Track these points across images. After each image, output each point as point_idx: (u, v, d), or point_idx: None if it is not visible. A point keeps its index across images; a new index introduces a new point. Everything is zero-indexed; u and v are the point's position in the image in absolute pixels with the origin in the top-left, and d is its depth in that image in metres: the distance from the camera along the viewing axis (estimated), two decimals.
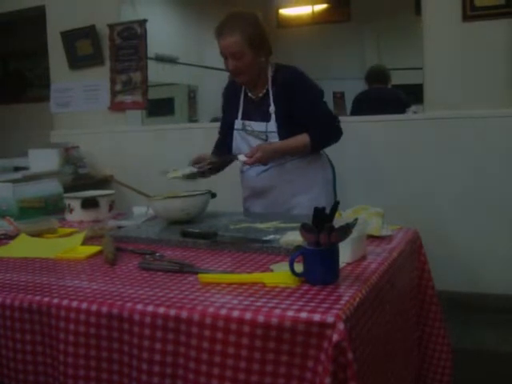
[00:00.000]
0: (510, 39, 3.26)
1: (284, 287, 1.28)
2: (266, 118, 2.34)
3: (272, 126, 2.32)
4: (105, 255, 1.63)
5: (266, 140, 2.33)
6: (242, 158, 2.25)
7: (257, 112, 2.37)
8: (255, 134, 2.35)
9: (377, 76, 4.76)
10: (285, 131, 2.30)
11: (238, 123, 2.41)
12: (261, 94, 2.37)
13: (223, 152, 2.47)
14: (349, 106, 5.00)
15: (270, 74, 2.35)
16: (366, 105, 4.56)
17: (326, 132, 2.35)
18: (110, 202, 2.37)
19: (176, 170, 2.30)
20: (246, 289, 1.29)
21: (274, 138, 2.31)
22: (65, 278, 1.47)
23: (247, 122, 2.38)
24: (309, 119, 2.32)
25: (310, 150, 2.34)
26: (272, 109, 2.31)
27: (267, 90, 2.35)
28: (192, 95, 6.94)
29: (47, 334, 1.30)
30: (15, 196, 2.34)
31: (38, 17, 4.59)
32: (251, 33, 2.24)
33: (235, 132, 2.42)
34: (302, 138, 2.30)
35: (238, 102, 2.43)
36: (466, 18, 3.33)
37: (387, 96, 4.61)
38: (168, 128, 4.46)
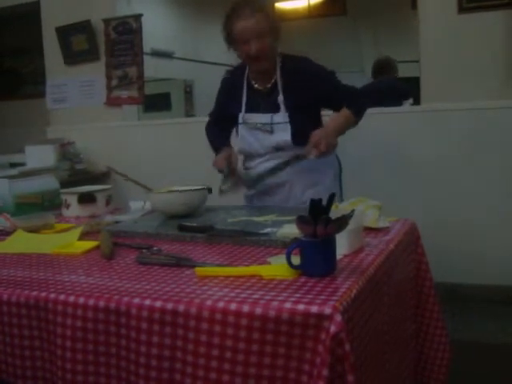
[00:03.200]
0: (507, 30, 3.26)
1: (281, 279, 1.28)
2: (274, 109, 2.27)
3: (280, 116, 2.26)
4: (102, 250, 1.63)
5: (272, 132, 2.27)
6: (312, 153, 2.12)
7: (264, 103, 2.30)
8: (258, 127, 2.30)
9: (381, 68, 4.75)
10: (297, 120, 2.25)
11: (242, 117, 2.35)
12: (269, 85, 2.30)
13: (225, 136, 2.45)
14: None
15: (278, 63, 2.28)
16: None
17: (360, 101, 2.31)
18: (106, 197, 2.37)
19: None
20: (243, 282, 1.29)
21: (281, 130, 2.25)
22: (62, 272, 1.47)
23: (247, 116, 2.32)
24: (337, 96, 2.27)
25: (354, 123, 2.29)
26: (280, 99, 2.25)
27: (275, 80, 2.28)
28: (188, 90, 6.93)
29: (45, 329, 1.30)
30: (12, 192, 2.33)
31: (32, 12, 4.56)
32: (271, 14, 2.21)
33: (240, 126, 2.36)
34: (345, 114, 2.24)
35: (240, 95, 2.35)
36: (462, 9, 3.33)
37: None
38: (165, 123, 4.46)
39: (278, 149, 2.30)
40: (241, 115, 2.35)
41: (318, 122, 2.37)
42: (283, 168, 2.27)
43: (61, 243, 1.77)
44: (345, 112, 2.25)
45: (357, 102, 2.29)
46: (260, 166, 2.38)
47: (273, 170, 2.29)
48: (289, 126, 2.25)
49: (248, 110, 2.34)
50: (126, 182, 2.13)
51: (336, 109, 2.31)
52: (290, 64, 2.29)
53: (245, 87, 2.35)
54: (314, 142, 2.11)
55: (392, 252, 1.55)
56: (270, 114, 2.27)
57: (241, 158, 2.46)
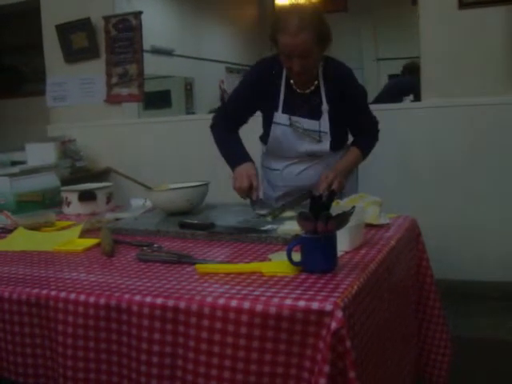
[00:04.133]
0: (507, 26, 3.25)
1: (282, 276, 1.28)
2: (315, 116, 2.19)
3: (324, 125, 2.19)
4: (102, 247, 1.63)
5: (320, 140, 2.20)
6: (326, 192, 1.96)
7: (304, 108, 2.20)
8: (307, 134, 2.20)
9: (410, 70, 5.07)
10: (335, 131, 2.20)
11: (282, 117, 2.22)
12: (308, 91, 2.19)
13: (238, 138, 2.29)
14: None
15: (320, 67, 2.17)
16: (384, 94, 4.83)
17: (373, 143, 2.33)
18: (107, 195, 2.37)
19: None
20: (243, 278, 1.29)
21: (327, 139, 2.19)
22: (63, 270, 1.47)
23: (295, 118, 2.20)
24: (358, 128, 2.29)
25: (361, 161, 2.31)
26: (325, 108, 2.18)
27: (318, 86, 2.19)
28: (188, 87, 6.93)
29: (46, 327, 1.30)
30: (12, 190, 2.33)
31: (32, 10, 4.56)
32: (320, 28, 2.04)
33: (276, 126, 2.23)
34: (356, 156, 2.26)
35: (276, 92, 2.21)
36: (462, 5, 3.32)
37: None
38: (165, 120, 4.46)
39: (312, 155, 2.25)
40: (277, 114, 2.22)
41: (346, 131, 2.37)
42: (296, 204, 2.06)
43: (61, 241, 1.77)
44: (356, 153, 2.26)
45: (369, 143, 2.31)
46: (287, 168, 2.31)
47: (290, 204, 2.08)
48: (329, 136, 2.20)
49: (284, 111, 2.22)
50: (127, 180, 2.13)
51: (351, 126, 2.31)
52: (333, 71, 2.19)
53: (283, 85, 2.21)
54: (328, 182, 2.06)
55: (393, 248, 1.55)
56: (317, 121, 2.19)
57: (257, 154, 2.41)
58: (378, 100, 4.81)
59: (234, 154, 2.24)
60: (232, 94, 2.39)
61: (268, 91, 2.23)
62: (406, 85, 4.89)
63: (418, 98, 3.95)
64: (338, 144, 2.25)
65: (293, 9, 2.08)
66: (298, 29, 1.99)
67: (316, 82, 2.19)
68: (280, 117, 2.22)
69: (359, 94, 2.28)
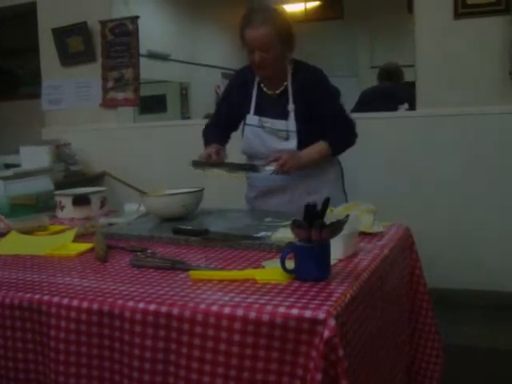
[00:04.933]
0: (502, 36, 3.27)
1: (275, 284, 1.28)
2: (284, 116, 2.26)
3: (291, 124, 2.26)
4: (96, 252, 1.62)
5: (287, 139, 2.26)
6: (269, 168, 2.14)
7: (274, 109, 2.29)
8: (274, 133, 2.28)
9: (388, 74, 4.84)
10: (303, 130, 2.24)
11: (253, 118, 2.32)
12: (278, 91, 2.29)
13: (221, 140, 2.38)
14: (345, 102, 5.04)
15: (289, 70, 2.27)
16: (370, 100, 4.63)
17: (345, 139, 2.32)
18: (101, 199, 2.36)
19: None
20: (237, 285, 1.29)
21: (294, 138, 2.24)
22: (56, 275, 1.47)
23: (265, 119, 2.29)
24: (328, 124, 2.28)
25: (328, 158, 2.32)
26: (291, 107, 2.25)
27: (286, 87, 2.28)
28: (184, 92, 6.93)
29: (38, 332, 1.30)
30: (6, 193, 2.32)
31: (28, 13, 4.55)
32: (281, 25, 2.17)
33: (247, 128, 2.34)
34: (321, 148, 2.26)
35: (250, 96, 2.33)
36: (458, 15, 3.35)
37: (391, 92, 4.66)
38: (160, 125, 4.47)
39: None
40: (249, 116, 2.33)
41: (317, 132, 2.35)
42: (236, 170, 2.26)
43: (55, 245, 1.76)
44: (320, 145, 2.26)
45: (339, 140, 2.30)
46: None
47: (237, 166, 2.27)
48: (296, 135, 2.25)
49: (256, 113, 2.32)
50: (121, 185, 2.13)
51: (324, 127, 2.30)
52: (301, 73, 2.27)
53: (255, 88, 2.33)
54: (276, 157, 2.14)
55: (386, 257, 1.55)
56: (284, 121, 2.25)
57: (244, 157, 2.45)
58: (360, 106, 4.66)
59: (207, 141, 2.39)
60: (215, 107, 2.54)
61: (242, 97, 2.35)
62: (395, 90, 4.77)
63: (412, 107, 3.95)
64: (307, 143, 2.25)
65: (258, 7, 2.25)
66: (259, 23, 2.15)
67: (285, 83, 2.28)
68: (251, 118, 2.33)
69: (329, 94, 2.32)
